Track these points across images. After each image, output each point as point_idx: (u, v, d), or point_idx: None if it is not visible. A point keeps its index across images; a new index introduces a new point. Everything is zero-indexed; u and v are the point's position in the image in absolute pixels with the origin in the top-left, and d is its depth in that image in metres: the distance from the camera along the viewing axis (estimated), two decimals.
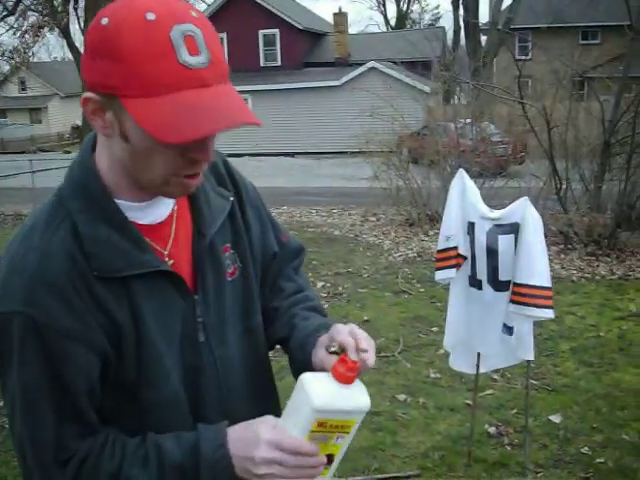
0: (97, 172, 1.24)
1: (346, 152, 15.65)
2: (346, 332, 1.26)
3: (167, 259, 1.29)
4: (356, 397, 1.20)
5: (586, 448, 4.20)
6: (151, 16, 1.08)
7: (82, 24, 23.28)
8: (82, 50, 1.30)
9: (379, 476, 3.98)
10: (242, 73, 30.09)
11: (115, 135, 1.16)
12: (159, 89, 1.08)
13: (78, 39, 28.89)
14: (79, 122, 31.92)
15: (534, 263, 3.57)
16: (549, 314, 3.58)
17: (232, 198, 1.41)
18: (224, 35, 31.35)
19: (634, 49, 9.67)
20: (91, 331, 1.19)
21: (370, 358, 1.24)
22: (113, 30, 1.08)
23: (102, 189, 1.23)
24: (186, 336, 1.30)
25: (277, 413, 1.27)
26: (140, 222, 1.26)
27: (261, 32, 31.05)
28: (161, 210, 1.30)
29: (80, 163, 1.27)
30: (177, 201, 1.33)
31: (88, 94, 1.14)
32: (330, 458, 1.23)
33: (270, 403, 1.48)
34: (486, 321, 3.81)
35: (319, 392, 1.17)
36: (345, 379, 1.19)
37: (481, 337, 3.90)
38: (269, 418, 1.23)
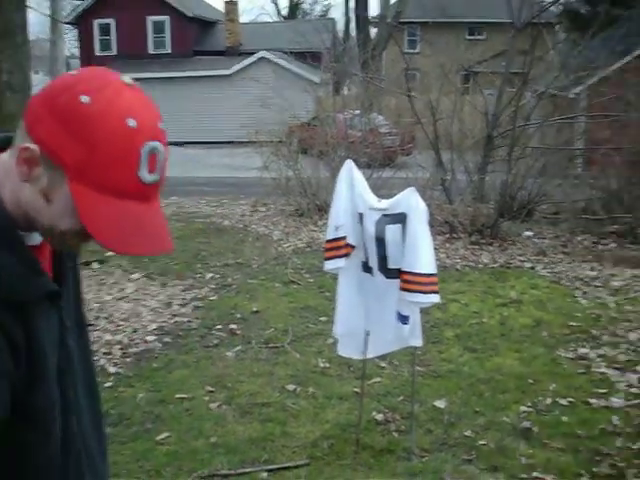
0: (2, 201, 1.19)
1: (236, 142, 15.52)
2: None
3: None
4: None
5: (469, 431, 4.32)
6: (132, 123, 1.10)
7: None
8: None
9: (269, 467, 3.96)
10: (130, 60, 29.37)
11: (34, 186, 1.15)
12: (110, 191, 1.11)
13: None
14: None
15: (419, 252, 3.65)
16: (434, 299, 3.69)
17: None
18: (112, 21, 30.51)
19: (515, 46, 10.01)
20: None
21: None
22: (92, 117, 1.09)
23: (6, 218, 1.19)
24: (61, 342, 1.32)
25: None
26: (30, 244, 1.26)
27: (150, 18, 30.38)
28: None
29: None
30: None
31: (33, 147, 1.11)
32: None
33: (97, 394, 1.50)
34: (380, 306, 3.88)
35: None
36: None
37: (375, 321, 3.95)
38: None
